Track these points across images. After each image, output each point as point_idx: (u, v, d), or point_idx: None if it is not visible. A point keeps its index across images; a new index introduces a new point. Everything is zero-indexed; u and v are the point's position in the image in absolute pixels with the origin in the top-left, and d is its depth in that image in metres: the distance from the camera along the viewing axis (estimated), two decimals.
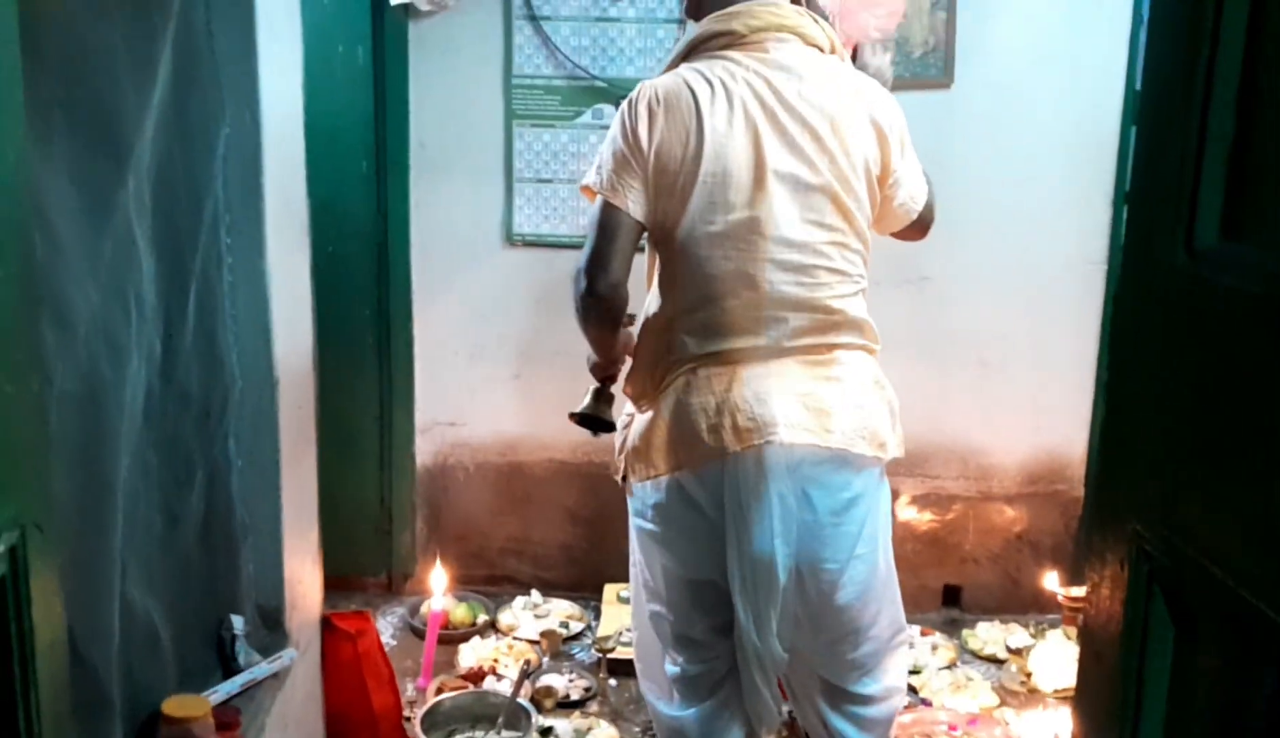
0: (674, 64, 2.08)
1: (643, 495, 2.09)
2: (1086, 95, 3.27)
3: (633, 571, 2.28)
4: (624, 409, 2.20)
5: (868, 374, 2.06)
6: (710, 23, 2.04)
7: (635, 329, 2.14)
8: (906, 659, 2.28)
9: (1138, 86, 3.24)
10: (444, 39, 3.33)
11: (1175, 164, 1.00)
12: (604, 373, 2.20)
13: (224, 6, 2.05)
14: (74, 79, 1.57)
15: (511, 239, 3.43)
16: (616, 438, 2.18)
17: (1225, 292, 0.93)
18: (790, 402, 1.96)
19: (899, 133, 2.06)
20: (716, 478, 1.99)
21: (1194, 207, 0.98)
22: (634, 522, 2.19)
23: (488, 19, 3.32)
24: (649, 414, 2.05)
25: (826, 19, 2.12)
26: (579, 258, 2.01)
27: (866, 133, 2.00)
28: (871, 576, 2.08)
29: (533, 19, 3.30)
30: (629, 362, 2.16)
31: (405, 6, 3.22)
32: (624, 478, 2.14)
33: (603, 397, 2.19)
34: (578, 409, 2.19)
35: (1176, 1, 1.02)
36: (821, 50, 2.05)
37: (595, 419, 2.17)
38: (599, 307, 2.01)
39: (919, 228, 2.22)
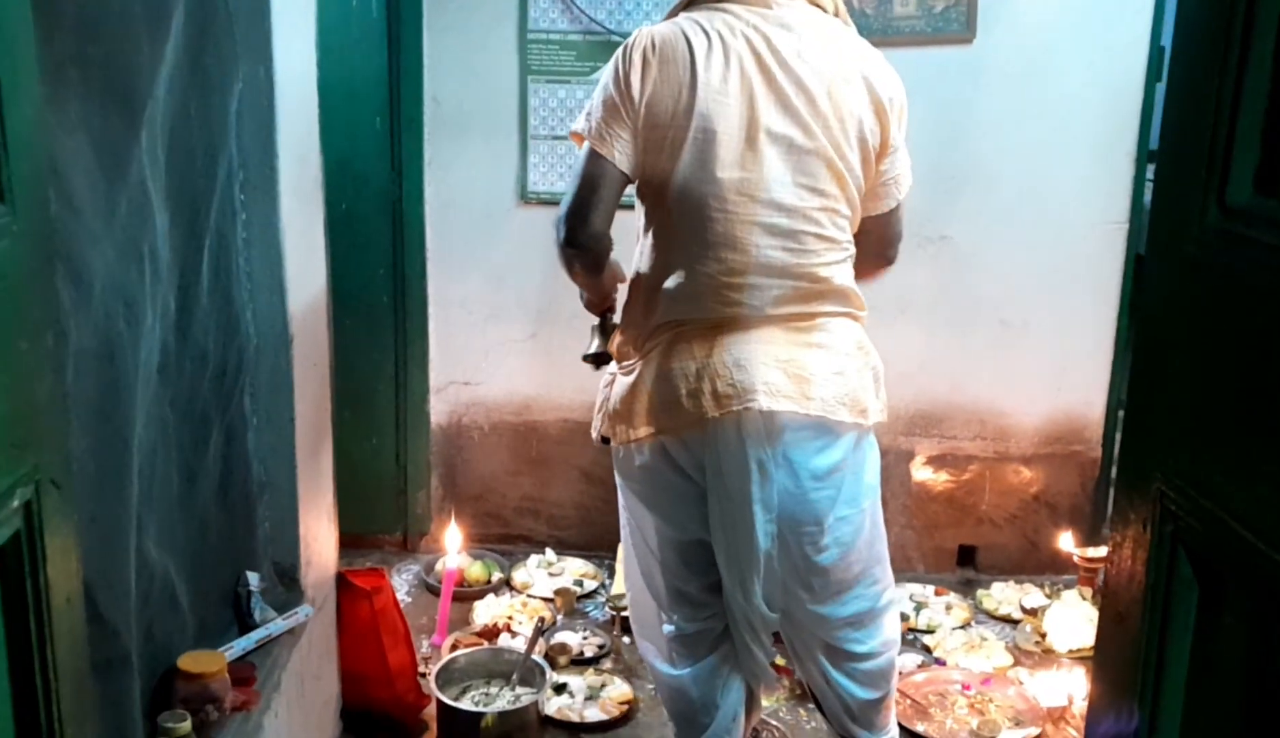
0: (674, 13, 2.03)
1: (628, 458, 2.08)
2: (1110, 52, 3.22)
3: (624, 531, 2.28)
4: (606, 369, 2.18)
5: (851, 340, 2.03)
6: None
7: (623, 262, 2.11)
8: (897, 613, 2.29)
9: (1162, 43, 3.20)
10: None
11: (1209, 117, 0.98)
12: (600, 307, 2.17)
13: None
14: (88, 36, 1.56)
15: (526, 197, 3.41)
16: (597, 398, 2.16)
17: (1259, 247, 0.91)
18: (770, 368, 1.94)
19: (899, 106, 2.02)
20: (698, 443, 1.98)
21: (1228, 161, 0.96)
22: (621, 483, 2.19)
23: None
24: (631, 377, 2.03)
25: None
26: (560, 204, 1.98)
27: (864, 101, 1.96)
28: (855, 536, 2.08)
29: None
30: (622, 292, 2.13)
31: None
32: (605, 440, 2.13)
33: (607, 331, 2.16)
34: (589, 350, 2.17)
35: None
36: (825, 11, 2.01)
37: (607, 357, 2.15)
38: (580, 256, 1.99)
39: (886, 244, 2.14)
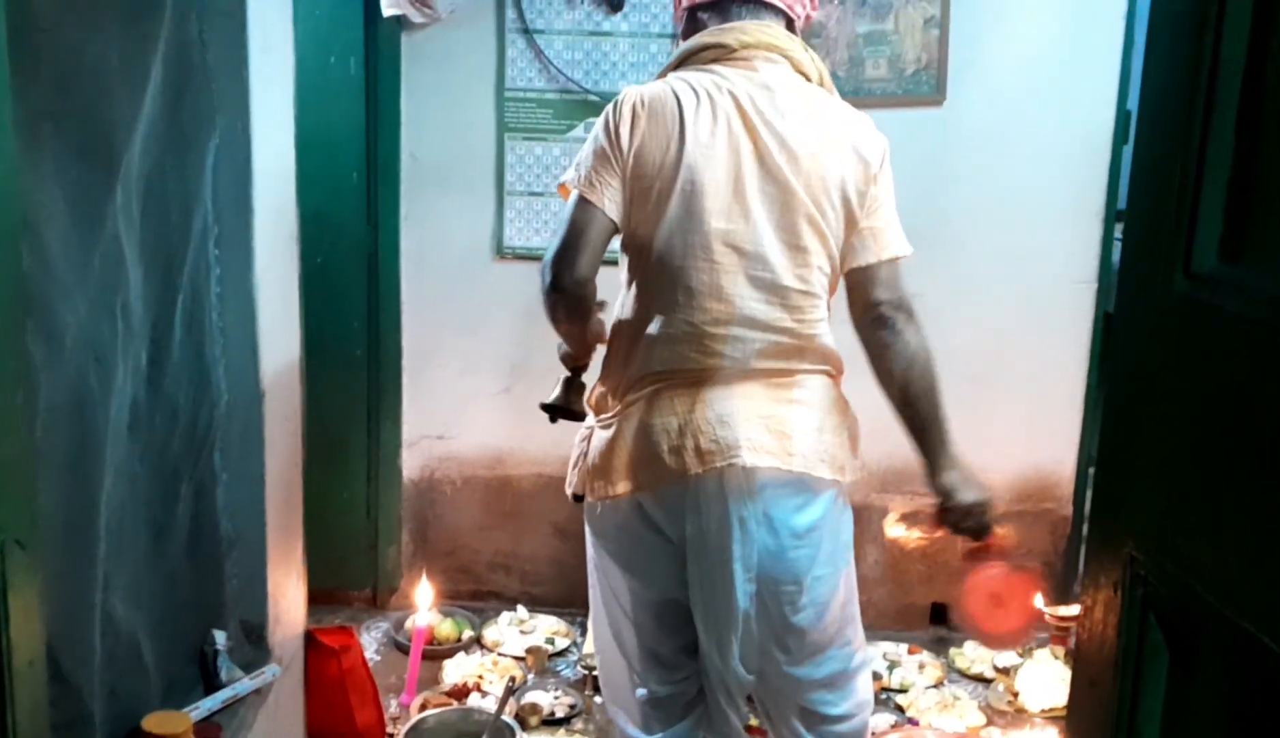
0: (664, 74, 2.07)
1: (602, 515, 2.07)
2: (1078, 114, 3.28)
3: (592, 592, 2.25)
4: (572, 423, 2.17)
5: (829, 397, 2.04)
6: (703, 36, 2.03)
7: (606, 317, 2.10)
8: (870, 674, 2.28)
9: (1129, 107, 3.26)
10: (437, 51, 3.32)
11: (1174, 186, 0.99)
12: (574, 363, 2.16)
13: (216, 17, 2.04)
14: (64, 90, 1.56)
15: (502, 252, 3.42)
16: (573, 452, 2.15)
17: (1224, 315, 0.93)
18: (753, 424, 1.94)
19: (881, 161, 2.03)
20: (677, 500, 1.97)
21: (1193, 229, 0.98)
22: (593, 541, 2.16)
23: (481, 31, 3.31)
24: (609, 432, 2.02)
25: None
26: (546, 251, 1.98)
27: (848, 162, 1.98)
28: (831, 596, 2.07)
29: (526, 32, 3.29)
30: (601, 350, 2.13)
31: (398, 18, 3.22)
32: (578, 497, 2.12)
33: (573, 387, 2.14)
34: (548, 399, 2.15)
35: (1176, 23, 1.01)
36: (808, 79, 2.04)
37: (565, 410, 2.14)
38: (565, 301, 1.99)
39: (870, 310, 2.04)
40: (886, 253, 2.04)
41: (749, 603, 1.99)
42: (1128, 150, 3.23)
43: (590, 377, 2.16)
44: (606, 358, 2.09)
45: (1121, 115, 3.26)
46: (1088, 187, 3.32)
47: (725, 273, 1.93)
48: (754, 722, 2.61)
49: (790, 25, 2.06)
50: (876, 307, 2.04)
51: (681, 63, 2.05)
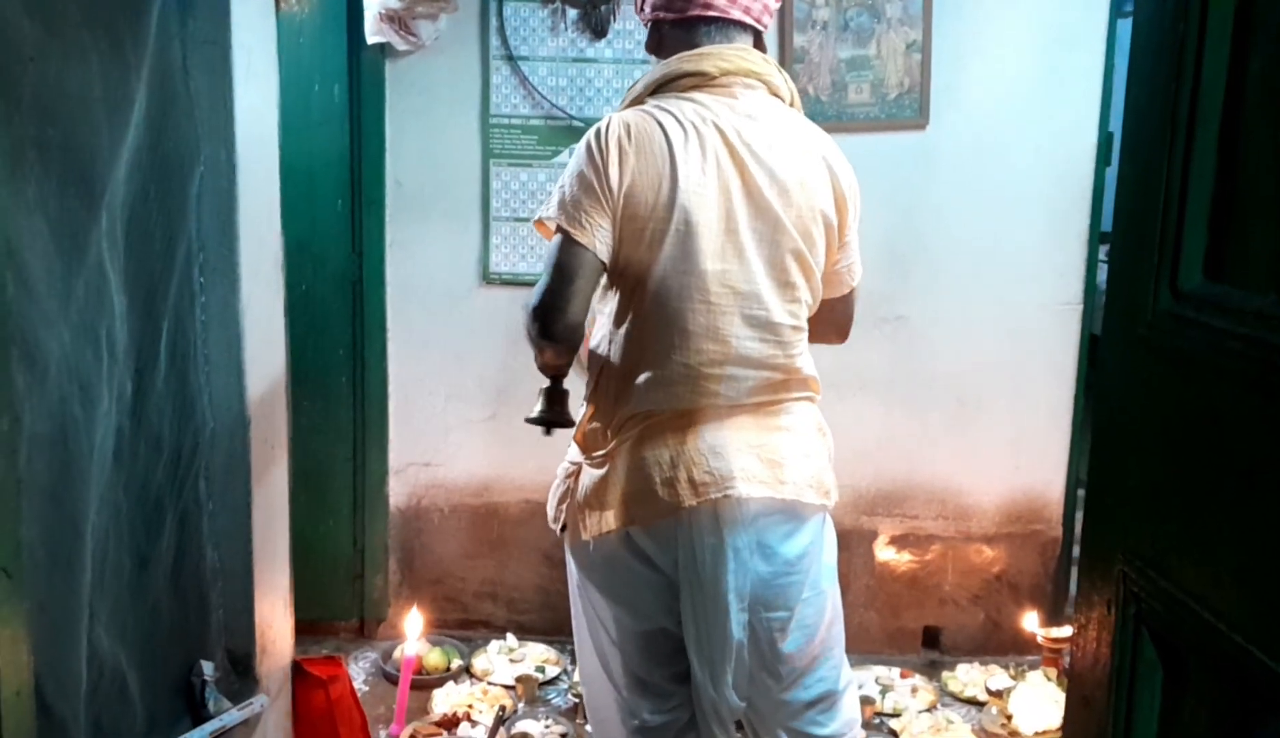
0: (639, 99, 2.01)
1: (592, 549, 2.03)
2: (1060, 136, 3.30)
3: (576, 622, 2.22)
4: (565, 456, 2.13)
5: (811, 422, 2.04)
6: (678, 62, 1.98)
7: (590, 331, 2.04)
8: (856, 693, 2.26)
9: (1111, 128, 3.29)
10: (421, 78, 3.33)
11: (1158, 204, 1.00)
12: (554, 371, 2.05)
13: (200, 45, 2.04)
14: (48, 118, 1.55)
15: (488, 278, 3.42)
16: (557, 486, 2.11)
17: (1210, 332, 0.93)
18: (745, 454, 1.93)
19: (854, 195, 2.04)
20: (670, 532, 1.95)
21: (1178, 248, 0.98)
22: (578, 574, 2.13)
23: (465, 58, 3.33)
24: (602, 470, 1.99)
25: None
26: (531, 295, 1.91)
27: (828, 191, 1.98)
28: (818, 619, 2.06)
29: (510, 59, 3.31)
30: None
31: (382, 45, 3.23)
32: (563, 528, 2.09)
33: (556, 395, 2.05)
34: (533, 414, 2.05)
35: (1158, 43, 1.02)
36: (782, 101, 2.04)
37: (555, 421, 2.05)
38: (554, 348, 1.93)
39: (841, 321, 2.18)
40: (853, 283, 2.15)
41: (742, 632, 1.97)
42: (1110, 172, 3.28)
43: (574, 389, 2.12)
44: (594, 395, 2.05)
45: (1103, 137, 3.29)
46: (1071, 208, 3.34)
47: (722, 314, 1.91)
48: None
49: (758, 39, 2.05)
50: (839, 330, 2.20)
51: (657, 90, 2.01)
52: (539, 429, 2.06)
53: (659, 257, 1.89)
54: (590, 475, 2.00)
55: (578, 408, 2.06)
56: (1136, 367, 1.04)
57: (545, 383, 2.04)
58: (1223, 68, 0.94)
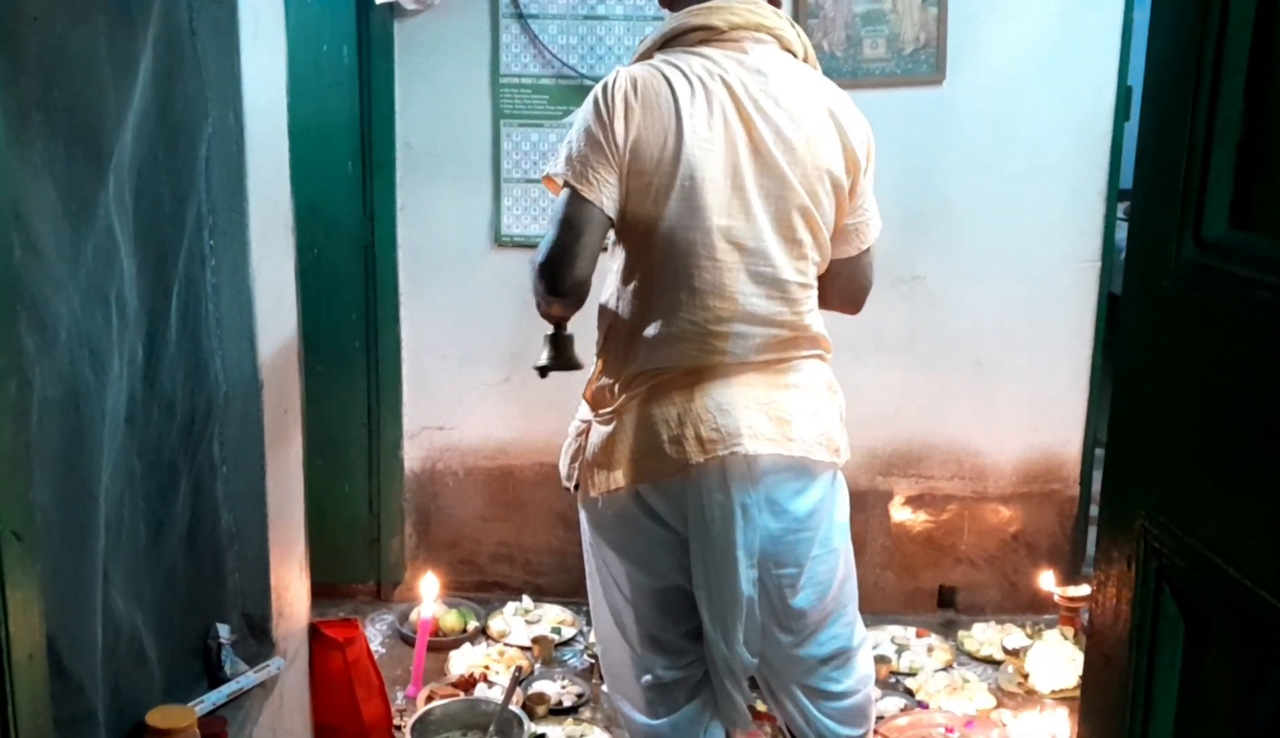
0: (648, 54, 1.99)
1: (602, 507, 2.04)
2: (1079, 92, 3.26)
3: (590, 581, 2.22)
4: (576, 415, 2.13)
5: (821, 380, 2.03)
6: (687, 16, 1.96)
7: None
8: (870, 649, 2.27)
9: (1129, 83, 3.24)
10: (430, 38, 3.30)
11: (1182, 154, 0.98)
12: (559, 319, 2.04)
13: (206, 6, 2.02)
14: (53, 80, 1.54)
15: (500, 240, 3.40)
16: (568, 445, 2.11)
17: (1235, 281, 0.91)
18: (753, 411, 1.93)
19: (867, 151, 2.02)
20: (679, 490, 1.95)
21: (1202, 197, 0.96)
22: (590, 531, 2.14)
23: (474, 18, 3.29)
24: (610, 426, 1.99)
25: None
26: (538, 251, 1.90)
27: (836, 147, 1.95)
28: (830, 576, 2.06)
29: (520, 17, 3.27)
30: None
31: (390, 5, 3.20)
32: (575, 486, 2.09)
33: (561, 340, 2.03)
34: (540, 361, 2.04)
35: None
36: (794, 56, 2.01)
37: (562, 365, 2.03)
38: (562, 302, 1.93)
39: (854, 288, 2.13)
40: (867, 241, 2.10)
41: (752, 589, 1.98)
42: (1130, 128, 3.24)
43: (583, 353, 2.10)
44: (603, 354, 2.05)
45: (1122, 92, 3.24)
46: (1090, 165, 3.30)
47: (728, 270, 1.90)
48: (761, 707, 2.60)
49: None
50: (853, 296, 2.15)
51: (665, 44, 1.98)
52: (541, 376, 2.05)
53: (665, 212, 1.88)
54: (599, 433, 2.00)
55: (586, 355, 2.04)
56: (1159, 318, 1.02)
57: (549, 329, 2.03)
58: (1250, 8, 0.91)
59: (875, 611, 3.36)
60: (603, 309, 2.04)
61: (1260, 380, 0.87)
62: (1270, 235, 0.90)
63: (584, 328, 2.04)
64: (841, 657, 2.14)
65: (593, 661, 3.08)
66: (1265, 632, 0.86)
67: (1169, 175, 1.00)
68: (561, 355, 2.03)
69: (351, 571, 3.59)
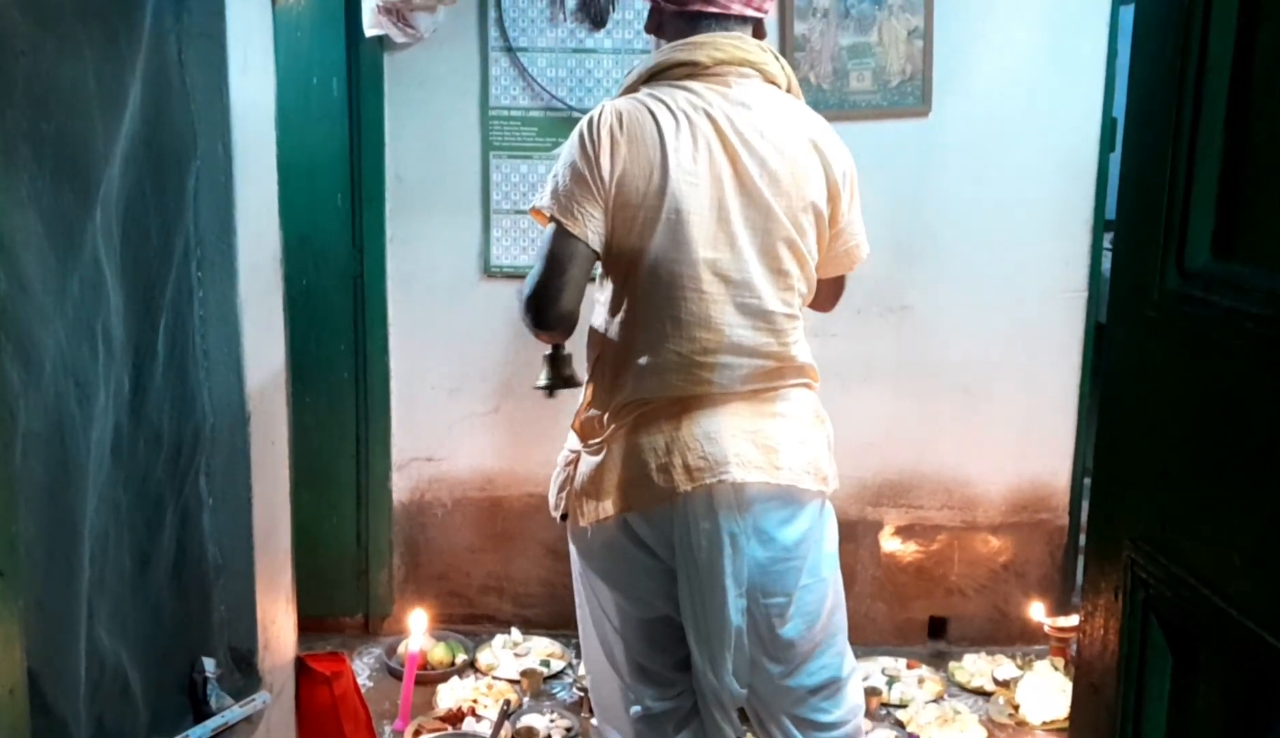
0: (633, 87, 2.02)
1: (591, 536, 2.04)
2: (1064, 123, 3.28)
3: (580, 611, 2.23)
4: (565, 445, 2.14)
5: (809, 409, 2.04)
6: (671, 51, 1.98)
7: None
8: (859, 680, 2.26)
9: (1114, 114, 3.26)
10: (420, 71, 3.32)
11: (1164, 184, 0.99)
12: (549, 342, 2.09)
13: (195, 38, 2.02)
14: (41, 113, 1.54)
15: (489, 271, 3.40)
16: (557, 475, 2.12)
17: (1218, 311, 0.91)
18: (740, 439, 1.93)
19: (850, 181, 2.04)
20: (666, 518, 1.95)
21: (1185, 227, 0.97)
22: (580, 562, 2.14)
23: (464, 50, 3.31)
24: (598, 456, 1.99)
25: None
26: (525, 285, 1.93)
27: (818, 180, 1.97)
28: (819, 606, 2.06)
29: (509, 50, 3.29)
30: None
31: (380, 38, 3.21)
32: (564, 516, 2.09)
33: (559, 359, 2.08)
34: (540, 381, 2.09)
35: (1163, 19, 1.00)
36: (779, 87, 2.03)
37: (563, 383, 2.08)
38: (549, 334, 1.97)
39: (834, 292, 2.21)
40: (858, 261, 2.15)
41: (741, 619, 1.98)
42: (1114, 158, 3.26)
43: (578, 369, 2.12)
44: (591, 384, 2.07)
45: (1107, 123, 3.27)
46: (1075, 195, 3.32)
47: (713, 302, 1.91)
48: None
49: (758, 26, 2.04)
50: (828, 302, 2.22)
51: (650, 78, 2.00)
52: (547, 395, 2.11)
53: (650, 245, 1.90)
54: (588, 463, 2.01)
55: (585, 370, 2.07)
56: (1143, 347, 1.03)
57: (547, 350, 2.08)
58: (1230, 40, 0.92)
59: (866, 641, 3.35)
60: (591, 339, 2.05)
61: (1245, 409, 0.87)
62: (1252, 264, 0.90)
63: (581, 344, 2.08)
64: (831, 687, 2.13)
65: (582, 694, 3.06)
66: (1253, 661, 0.86)
67: (1152, 206, 1.00)
68: (561, 374, 2.08)
69: (339, 603, 3.57)
